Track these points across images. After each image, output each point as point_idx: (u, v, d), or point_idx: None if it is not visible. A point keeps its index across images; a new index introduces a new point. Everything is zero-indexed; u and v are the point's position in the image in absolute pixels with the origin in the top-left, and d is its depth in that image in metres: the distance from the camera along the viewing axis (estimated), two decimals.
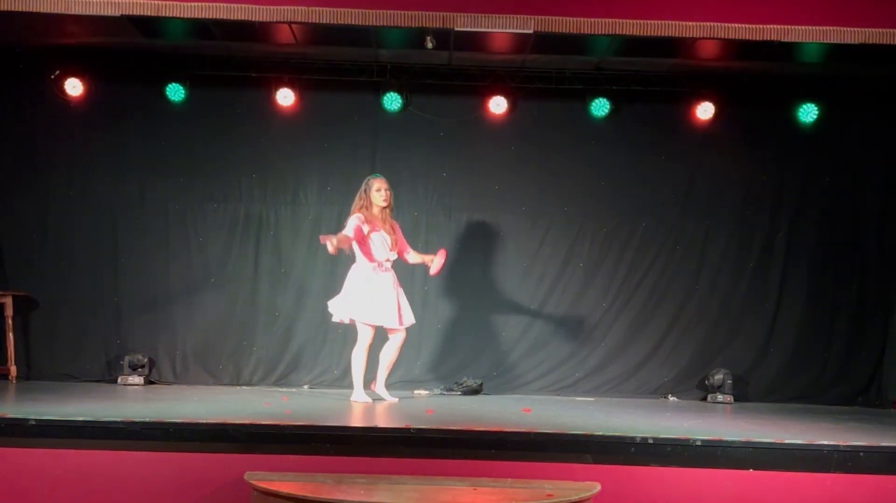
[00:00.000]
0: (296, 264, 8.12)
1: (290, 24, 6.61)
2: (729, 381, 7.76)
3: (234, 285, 8.09)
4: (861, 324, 8.07)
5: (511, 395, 7.76)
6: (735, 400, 7.74)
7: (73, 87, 7.87)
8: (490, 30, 6.41)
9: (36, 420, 4.80)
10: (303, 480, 4.46)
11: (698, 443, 4.78)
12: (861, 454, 4.75)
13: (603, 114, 8.07)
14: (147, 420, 4.85)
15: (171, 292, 8.04)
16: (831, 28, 5.98)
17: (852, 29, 5.98)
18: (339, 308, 6.67)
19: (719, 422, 6.23)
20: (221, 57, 7.87)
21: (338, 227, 7.02)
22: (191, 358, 8.01)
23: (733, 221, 8.16)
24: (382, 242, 6.65)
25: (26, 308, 7.89)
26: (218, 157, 8.09)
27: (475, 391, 7.80)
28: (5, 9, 5.81)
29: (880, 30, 5.98)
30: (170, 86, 7.92)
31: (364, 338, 6.59)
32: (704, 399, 7.90)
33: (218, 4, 5.91)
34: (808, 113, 8.01)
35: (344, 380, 7.59)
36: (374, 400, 6.65)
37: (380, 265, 6.62)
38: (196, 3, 5.91)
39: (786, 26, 5.99)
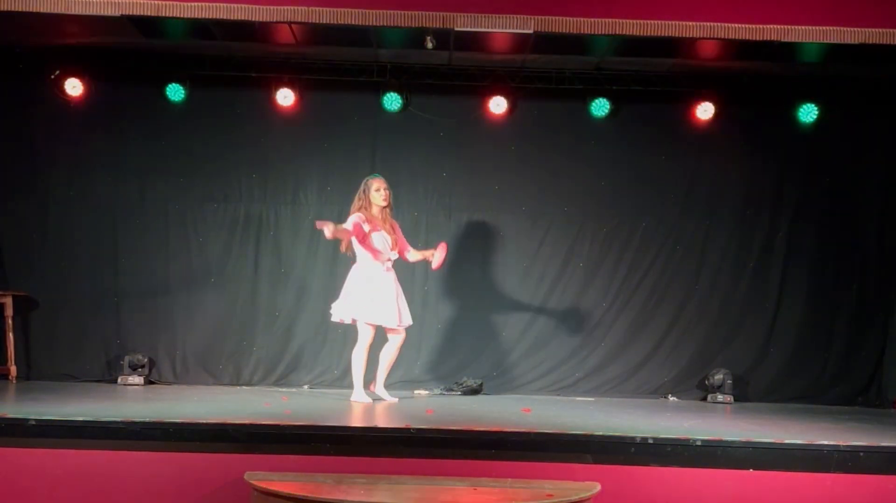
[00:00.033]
0: (296, 264, 8.12)
1: (290, 24, 6.61)
2: (729, 381, 7.76)
3: (234, 285, 8.09)
4: (861, 324, 8.07)
5: (511, 395, 7.76)
6: (735, 400, 7.74)
7: (73, 87, 7.87)
8: (490, 30, 6.41)
9: (36, 420, 4.80)
10: (303, 480, 4.46)
11: (698, 443, 4.78)
12: (861, 454, 4.75)
13: (603, 114, 8.07)
14: (147, 420, 4.85)
15: (171, 292, 8.04)
16: (831, 28, 5.98)
17: (852, 29, 5.98)
18: (341, 308, 6.67)
19: (719, 422, 6.23)
20: (221, 57, 7.87)
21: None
22: (191, 358, 8.01)
23: (733, 221, 8.16)
24: (383, 242, 6.66)
25: (26, 308, 7.89)
26: (218, 157, 8.09)
27: (475, 391, 7.80)
28: (5, 9, 5.81)
29: (880, 30, 5.98)
30: (170, 86, 7.92)
31: (364, 338, 6.59)
32: (704, 399, 7.91)
33: (218, 4, 5.91)
34: (808, 113, 8.01)
35: (344, 380, 7.59)
36: (374, 400, 6.65)
37: (381, 264, 6.62)
38: (196, 3, 5.91)
39: (786, 26, 5.99)
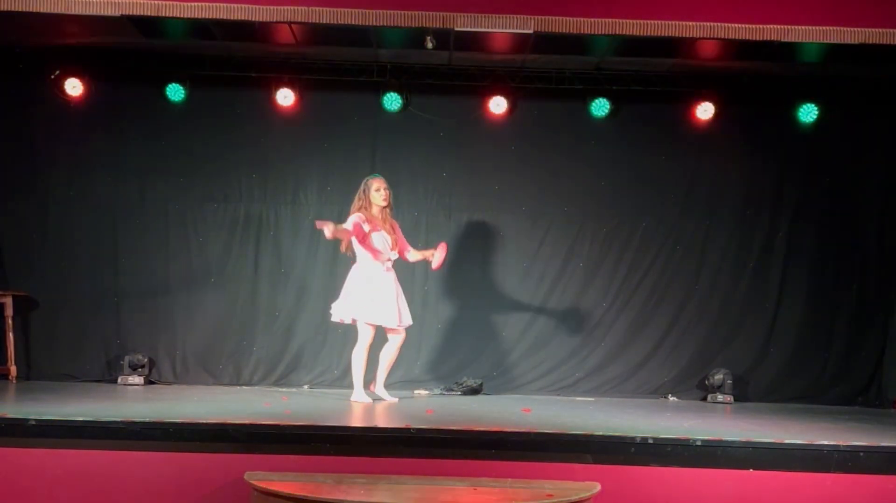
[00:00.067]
0: (296, 264, 8.12)
1: (290, 24, 6.61)
2: (729, 381, 7.76)
3: (234, 285, 8.09)
4: (861, 324, 8.07)
5: (511, 395, 7.76)
6: (735, 400, 7.74)
7: (73, 87, 7.87)
8: (490, 30, 6.41)
9: (36, 420, 4.80)
10: (303, 480, 4.46)
11: (698, 443, 4.78)
12: (861, 454, 4.75)
13: (603, 114, 8.07)
14: (147, 420, 4.85)
15: (171, 292, 8.04)
16: (831, 28, 5.98)
17: (852, 29, 5.98)
18: (341, 308, 6.67)
19: (719, 422, 6.23)
20: (221, 57, 7.86)
21: None
22: (191, 358, 8.01)
23: (733, 221, 8.16)
24: (383, 242, 6.66)
25: (26, 308, 7.89)
26: (218, 157, 8.09)
27: (475, 391, 7.80)
28: (5, 9, 5.81)
29: (880, 30, 5.98)
30: (170, 86, 7.92)
31: (365, 338, 6.59)
32: (704, 399, 7.91)
33: (218, 4, 5.91)
34: (808, 113, 8.01)
35: (344, 380, 7.59)
36: (374, 400, 6.65)
37: (381, 264, 6.62)
38: (196, 3, 5.91)
39: (786, 26, 5.99)
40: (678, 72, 7.90)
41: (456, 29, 6.11)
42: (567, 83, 8.07)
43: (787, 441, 4.86)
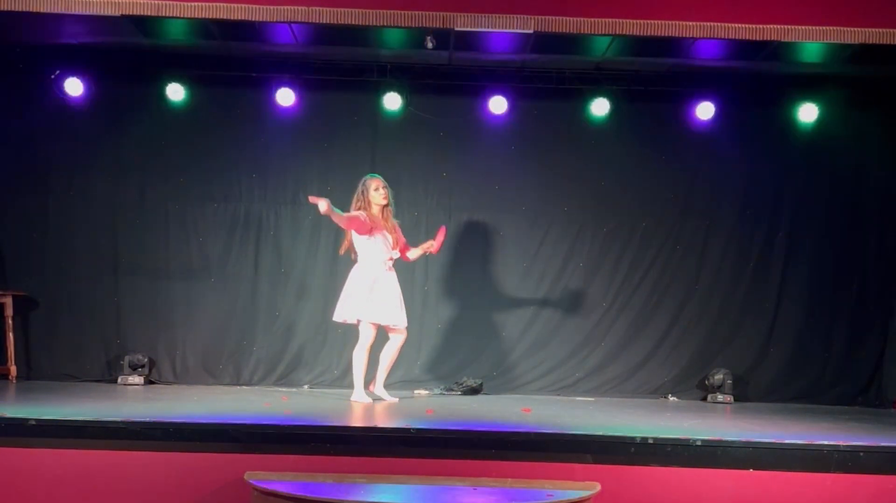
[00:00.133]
0: (296, 264, 8.12)
1: (290, 24, 6.61)
2: (729, 381, 7.76)
3: (234, 285, 8.09)
4: (861, 325, 8.06)
5: (511, 395, 7.75)
6: (735, 400, 7.74)
7: (73, 87, 7.87)
8: (490, 30, 6.41)
9: (36, 420, 4.80)
10: (303, 480, 4.46)
11: (698, 443, 4.78)
12: (861, 454, 4.75)
13: (603, 114, 8.07)
14: (147, 420, 4.85)
15: (171, 292, 8.04)
16: (831, 28, 5.99)
17: (852, 29, 5.98)
18: (343, 309, 6.66)
19: (719, 422, 6.23)
20: (221, 57, 7.86)
21: (337, 226, 7.02)
22: (191, 358, 8.01)
23: (733, 221, 8.16)
24: (384, 241, 6.66)
25: (26, 308, 7.88)
26: (218, 156, 8.09)
27: (475, 391, 7.80)
28: (5, 9, 5.81)
29: (880, 30, 5.98)
30: (170, 86, 7.92)
31: (366, 337, 6.59)
32: (704, 399, 7.90)
33: (218, 4, 5.92)
34: (808, 113, 8.01)
35: (344, 380, 7.59)
36: (374, 400, 6.65)
37: (382, 262, 6.63)
38: (196, 3, 5.91)
39: (786, 26, 6.00)
40: (678, 72, 7.90)
41: (456, 29, 6.11)
42: (567, 83, 8.06)
43: (787, 441, 4.87)
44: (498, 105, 8.04)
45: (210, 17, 6.02)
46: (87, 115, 8.00)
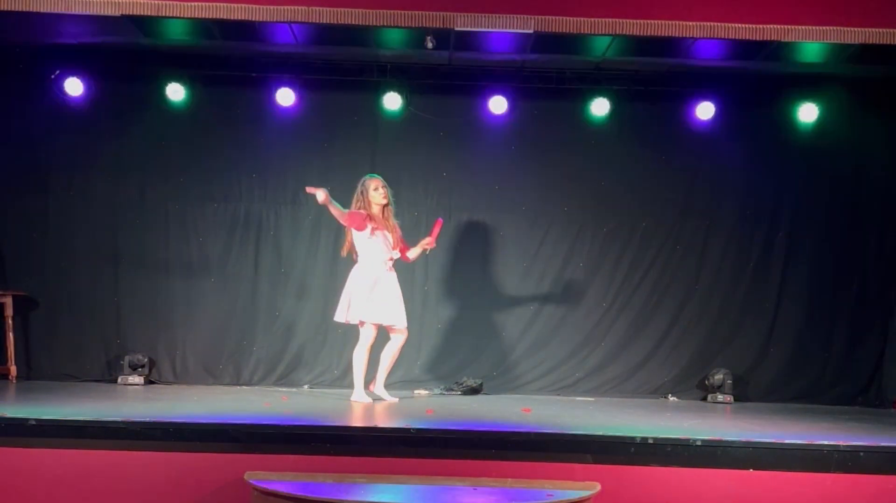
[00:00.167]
0: (296, 264, 8.12)
1: (290, 24, 6.61)
2: (729, 381, 7.76)
3: (234, 285, 8.09)
4: (861, 325, 8.06)
5: (511, 395, 7.75)
6: (735, 400, 7.74)
7: (73, 87, 7.87)
8: (490, 30, 6.41)
9: (36, 420, 4.81)
10: (303, 480, 4.46)
11: (698, 443, 4.78)
12: (861, 454, 4.75)
13: (603, 114, 8.07)
14: (147, 420, 4.85)
15: (171, 292, 8.04)
16: (831, 28, 5.99)
17: (852, 29, 5.98)
18: (345, 309, 6.65)
19: (719, 422, 6.24)
20: (221, 57, 7.86)
21: (338, 226, 7.03)
22: (191, 358, 8.01)
23: (733, 221, 8.16)
24: (385, 241, 6.66)
25: (26, 308, 7.88)
26: (218, 156, 8.09)
27: (475, 391, 7.80)
28: (5, 9, 5.81)
29: (880, 30, 5.98)
30: (170, 85, 7.92)
31: (367, 337, 6.59)
32: (704, 399, 7.90)
33: (218, 4, 5.92)
34: (808, 113, 8.01)
35: (344, 380, 7.59)
36: (374, 400, 6.65)
37: (382, 262, 6.63)
38: (196, 3, 5.91)
39: (786, 26, 6.00)
40: (678, 72, 7.89)
41: (456, 29, 6.11)
42: (567, 83, 8.06)
43: (787, 441, 4.87)
44: (498, 105, 8.04)
45: (210, 17, 6.02)
46: (87, 115, 8.00)
